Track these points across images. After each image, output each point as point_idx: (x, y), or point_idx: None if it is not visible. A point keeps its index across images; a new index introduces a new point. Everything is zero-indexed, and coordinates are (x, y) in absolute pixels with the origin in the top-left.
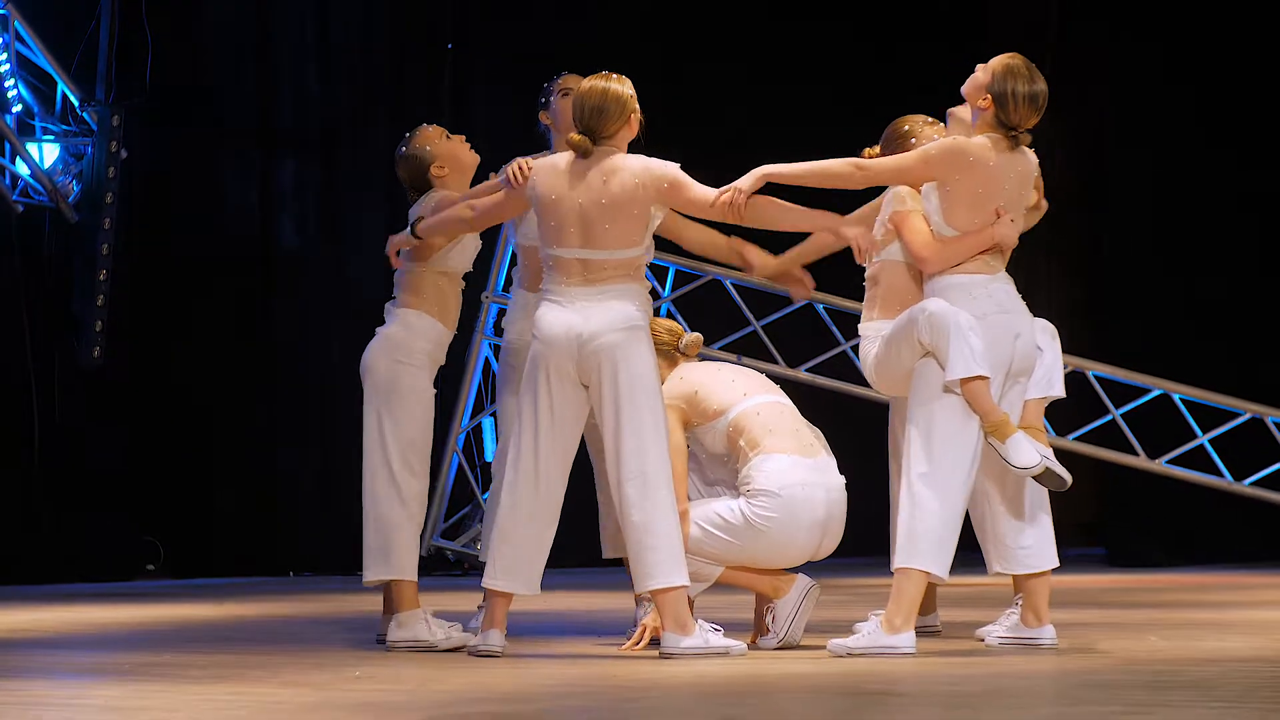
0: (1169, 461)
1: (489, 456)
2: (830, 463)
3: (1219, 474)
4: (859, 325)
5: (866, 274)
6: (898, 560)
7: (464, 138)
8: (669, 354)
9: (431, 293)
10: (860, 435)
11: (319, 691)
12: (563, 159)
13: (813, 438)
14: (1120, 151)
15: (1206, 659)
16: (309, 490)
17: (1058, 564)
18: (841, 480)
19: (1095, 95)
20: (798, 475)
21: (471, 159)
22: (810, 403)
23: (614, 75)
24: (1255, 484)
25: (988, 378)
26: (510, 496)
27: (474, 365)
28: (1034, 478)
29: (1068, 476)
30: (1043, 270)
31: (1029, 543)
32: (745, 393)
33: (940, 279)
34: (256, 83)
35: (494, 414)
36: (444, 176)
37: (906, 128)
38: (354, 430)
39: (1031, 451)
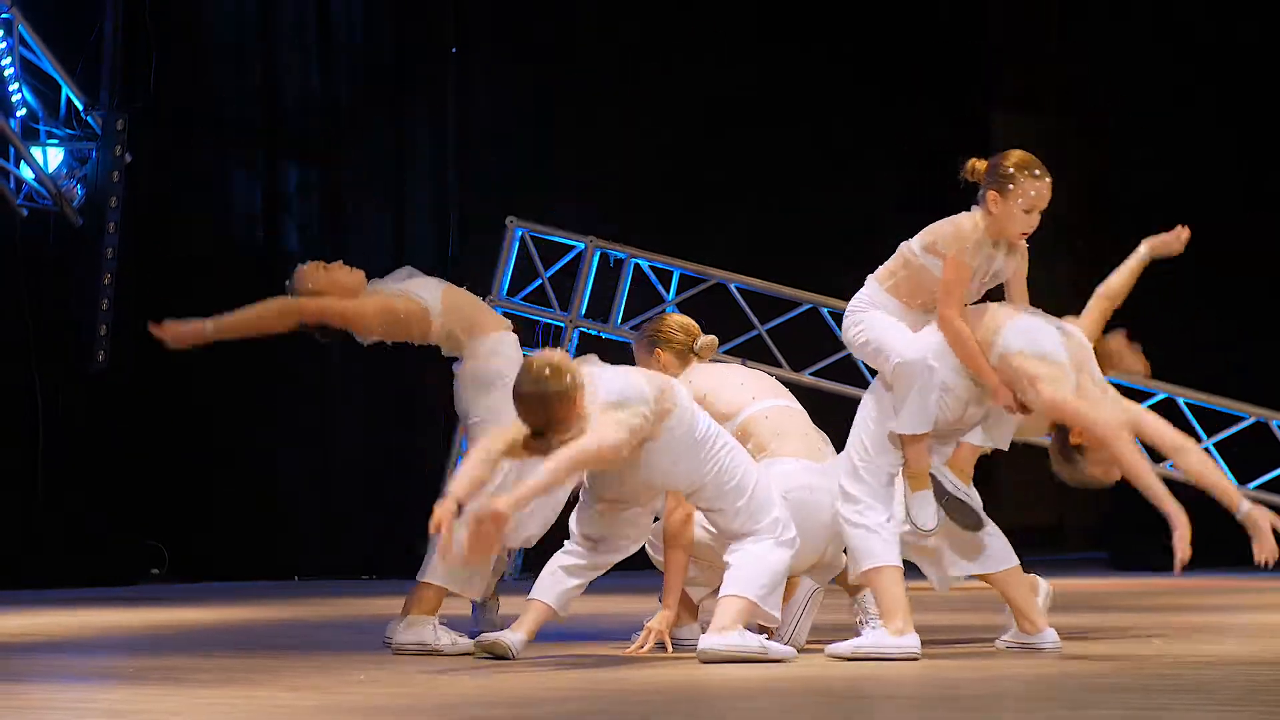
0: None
1: None
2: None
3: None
4: (869, 277)
5: (900, 251)
6: (858, 569)
7: (341, 262)
8: (682, 353)
9: None
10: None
11: (323, 695)
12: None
13: (820, 442)
14: (1121, 153)
15: (1207, 662)
16: (311, 493)
17: (1017, 562)
18: None
19: (1096, 96)
20: (805, 479)
21: (354, 279)
22: (815, 407)
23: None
24: (1259, 488)
25: (927, 436)
26: None
27: None
28: (946, 511)
29: (982, 520)
30: (1043, 277)
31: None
32: (754, 396)
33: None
34: (260, 85)
35: None
36: None
37: (1011, 170)
38: (354, 433)
39: (931, 515)
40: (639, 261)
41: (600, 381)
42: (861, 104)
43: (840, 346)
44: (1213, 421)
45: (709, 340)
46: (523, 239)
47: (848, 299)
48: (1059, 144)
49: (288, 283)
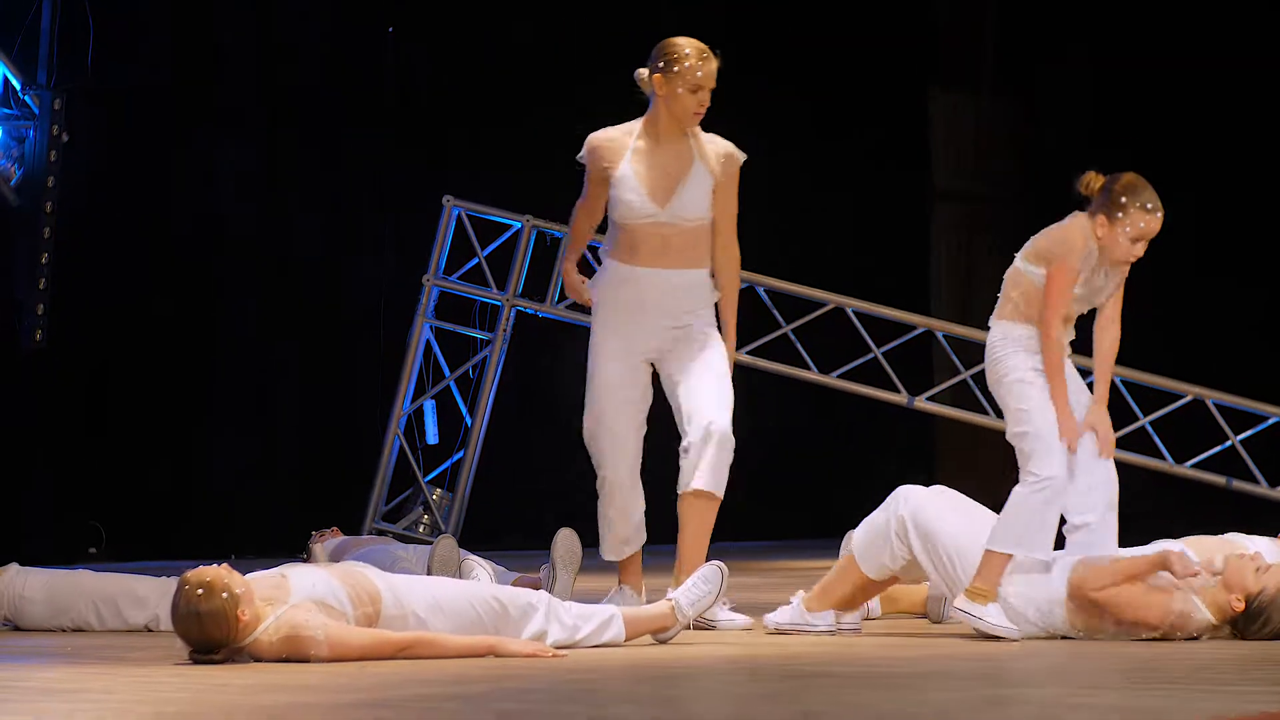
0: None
1: (431, 439)
2: None
3: (1160, 456)
4: (990, 320)
5: (1007, 274)
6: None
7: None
8: None
9: None
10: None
11: (261, 673)
12: None
13: None
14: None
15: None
16: (248, 471)
17: None
18: None
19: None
20: None
21: None
22: (748, 385)
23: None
24: (1195, 466)
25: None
26: None
27: (415, 348)
28: None
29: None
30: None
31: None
32: None
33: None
34: (200, 63)
35: (435, 397)
36: None
37: (1124, 200)
38: (292, 410)
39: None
40: None
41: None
42: (796, 80)
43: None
44: (1149, 399)
45: None
46: (459, 217)
47: (786, 277)
48: (997, 122)
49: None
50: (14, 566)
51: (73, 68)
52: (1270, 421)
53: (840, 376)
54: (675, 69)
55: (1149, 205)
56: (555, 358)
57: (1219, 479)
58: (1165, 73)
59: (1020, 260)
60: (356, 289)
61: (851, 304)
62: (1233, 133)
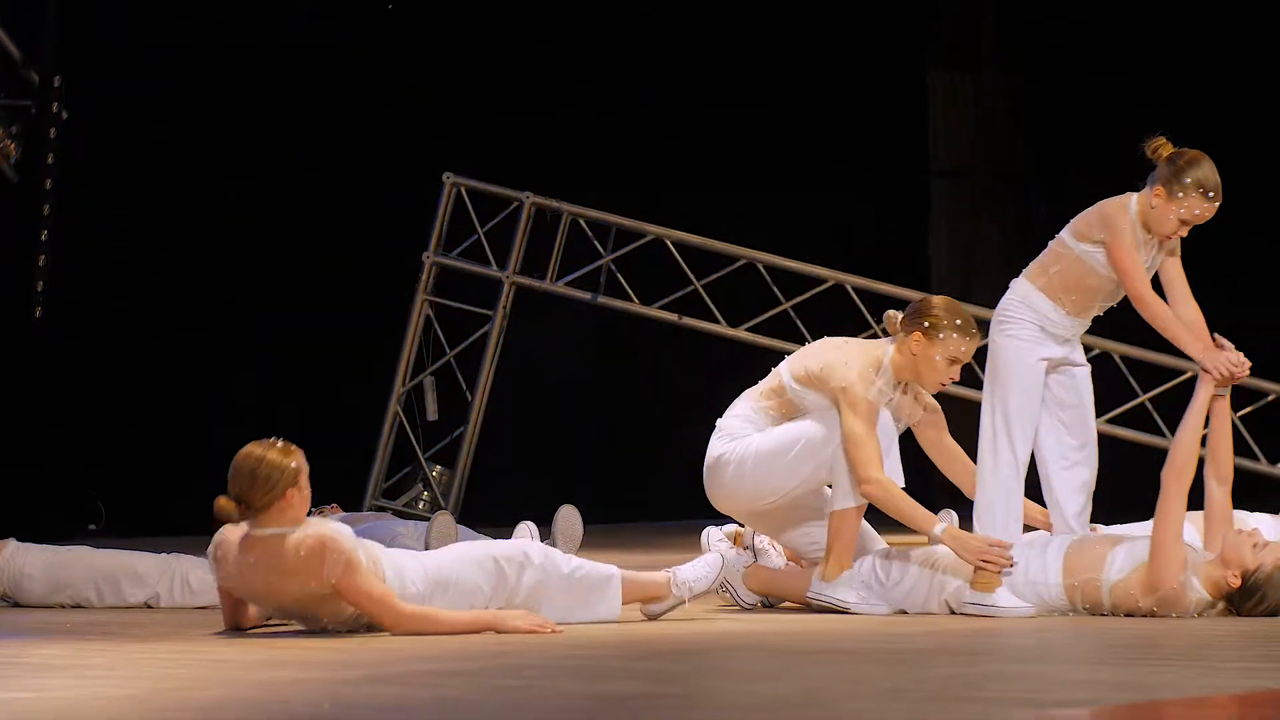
0: (1110, 420)
1: (431, 416)
2: None
3: (1160, 433)
4: (1016, 278)
5: (1052, 244)
6: None
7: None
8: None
9: None
10: None
11: (264, 650)
12: None
13: None
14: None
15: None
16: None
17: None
18: None
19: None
20: None
21: None
22: (750, 363)
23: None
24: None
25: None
26: None
27: (415, 325)
28: None
29: None
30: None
31: None
32: None
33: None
34: (200, 40)
35: (435, 374)
36: None
37: (1187, 180)
38: (294, 383)
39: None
40: (576, 217)
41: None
42: (796, 58)
43: (776, 302)
44: (1150, 377)
45: None
46: (459, 193)
47: (785, 253)
48: (997, 100)
49: None
50: (12, 542)
51: (73, 44)
52: (1269, 398)
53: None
54: (940, 335)
55: (1210, 194)
56: (555, 334)
57: None
58: (1166, 50)
59: (1066, 234)
60: (356, 265)
61: (851, 280)
62: (1243, 106)
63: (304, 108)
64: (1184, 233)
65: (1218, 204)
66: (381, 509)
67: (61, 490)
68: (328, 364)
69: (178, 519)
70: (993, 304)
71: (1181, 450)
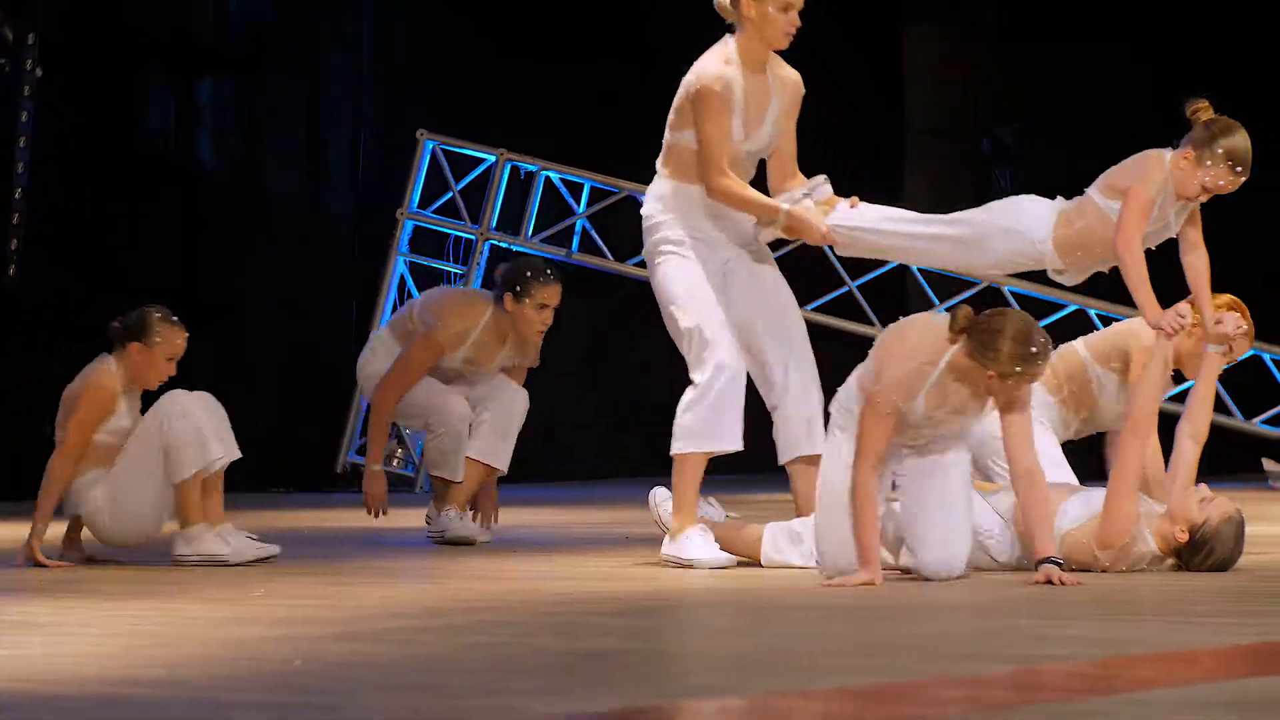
0: None
1: None
2: None
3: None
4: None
5: (1079, 203)
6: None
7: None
8: None
9: None
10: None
11: (233, 607)
12: None
13: None
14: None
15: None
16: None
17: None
18: None
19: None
20: None
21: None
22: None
23: None
24: (1172, 399)
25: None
26: None
27: (389, 282)
28: None
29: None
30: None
31: None
32: None
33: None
34: (175, 1)
35: None
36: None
37: (1220, 150)
38: (267, 348)
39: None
40: (550, 174)
41: None
42: None
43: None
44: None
45: None
46: (434, 152)
47: None
48: (968, 63)
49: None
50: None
51: (47, 2)
52: (1244, 355)
53: (815, 310)
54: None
55: (1239, 168)
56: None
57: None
58: (1133, 11)
59: (1094, 191)
60: (330, 223)
61: None
62: (1214, 71)
63: (280, 64)
64: (1205, 198)
65: (1244, 178)
66: (356, 466)
67: (34, 449)
68: (302, 321)
69: None
70: None
71: (1135, 408)
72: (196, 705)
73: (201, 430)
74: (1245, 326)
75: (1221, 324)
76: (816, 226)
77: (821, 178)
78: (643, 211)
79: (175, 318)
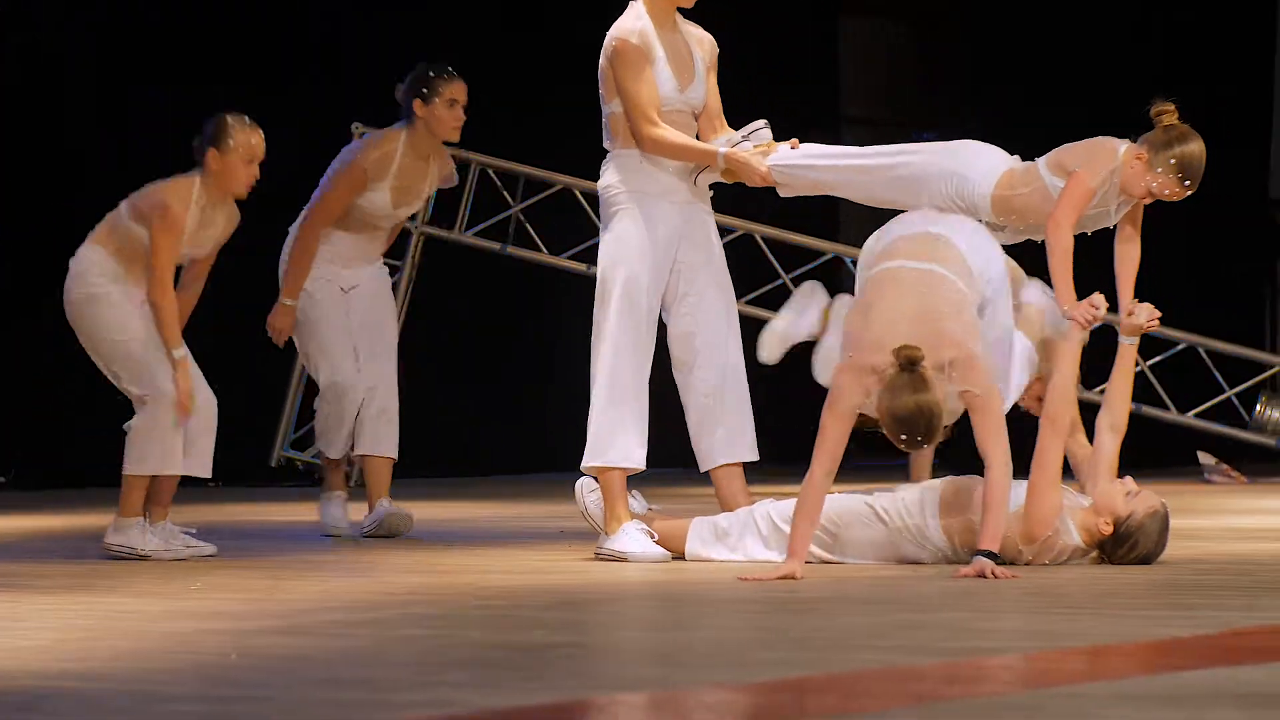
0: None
1: None
2: None
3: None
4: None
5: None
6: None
7: None
8: None
9: None
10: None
11: (168, 601)
12: None
13: None
14: None
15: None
16: None
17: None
18: None
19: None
20: None
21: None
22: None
23: None
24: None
25: None
26: None
27: None
28: None
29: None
30: None
31: None
32: None
33: None
34: None
35: None
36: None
37: (1173, 160)
38: (201, 341)
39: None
40: (485, 167)
41: None
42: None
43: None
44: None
45: None
46: None
47: None
48: (907, 50)
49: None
50: None
51: None
52: (1177, 348)
53: (749, 303)
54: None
55: (1187, 180)
56: (464, 284)
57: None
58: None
59: (1043, 163)
60: (266, 214)
61: (761, 231)
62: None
63: (224, 58)
64: (1149, 201)
65: (1190, 192)
66: (290, 460)
67: None
68: (235, 313)
69: (90, 472)
70: None
71: (1051, 398)
72: (129, 698)
73: (180, 438)
74: (1156, 319)
75: (1134, 315)
76: (756, 168)
77: (761, 122)
78: (598, 186)
79: (248, 118)
